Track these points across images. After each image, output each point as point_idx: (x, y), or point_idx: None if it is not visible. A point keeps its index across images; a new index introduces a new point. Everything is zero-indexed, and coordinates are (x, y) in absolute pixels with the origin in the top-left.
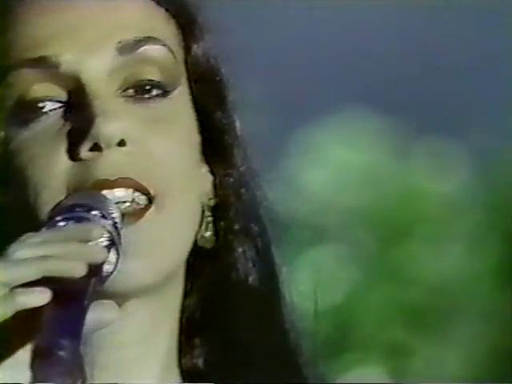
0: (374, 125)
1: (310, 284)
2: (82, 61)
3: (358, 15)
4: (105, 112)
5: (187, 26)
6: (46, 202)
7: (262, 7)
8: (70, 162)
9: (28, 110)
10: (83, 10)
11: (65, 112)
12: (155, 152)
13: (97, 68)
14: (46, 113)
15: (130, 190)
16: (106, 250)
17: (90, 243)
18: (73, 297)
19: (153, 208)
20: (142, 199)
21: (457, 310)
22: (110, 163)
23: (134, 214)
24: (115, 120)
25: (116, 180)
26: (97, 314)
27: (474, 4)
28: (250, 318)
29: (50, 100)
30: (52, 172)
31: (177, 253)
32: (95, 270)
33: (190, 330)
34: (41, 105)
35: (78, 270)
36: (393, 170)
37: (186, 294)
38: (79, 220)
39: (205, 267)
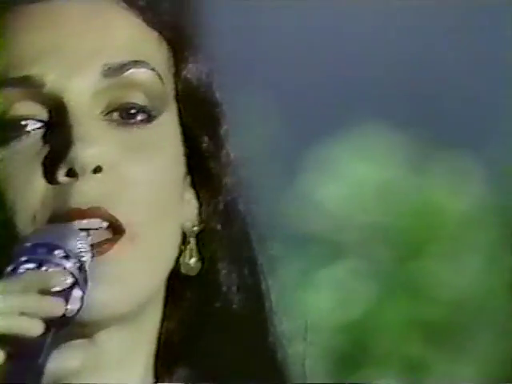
0: (391, 140)
1: (328, 300)
2: (65, 81)
3: (374, 31)
4: (83, 137)
5: (180, 50)
6: (20, 223)
7: (276, 21)
8: (47, 185)
9: (9, 129)
10: (70, 28)
11: (46, 132)
12: (131, 180)
13: (80, 90)
14: (27, 132)
15: (100, 221)
16: (63, 303)
17: (53, 288)
18: (26, 356)
19: (124, 238)
20: (111, 230)
21: (474, 325)
22: (83, 191)
23: (103, 244)
24: (93, 145)
25: (87, 209)
26: (59, 363)
27: (495, 23)
28: (233, 343)
29: (32, 119)
30: (28, 194)
31: (150, 282)
32: (54, 321)
33: (167, 354)
34: (23, 123)
35: (34, 328)
36: (410, 186)
37: (164, 317)
38: (40, 264)
39: (187, 292)
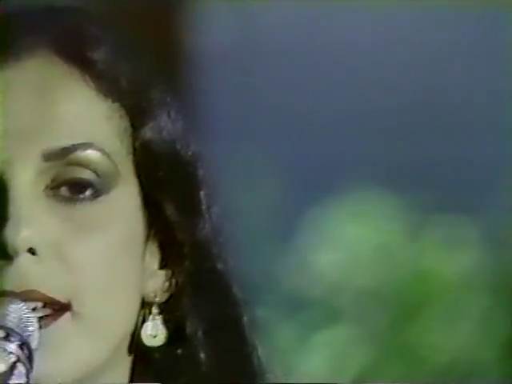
0: (387, 204)
1: (323, 364)
2: (7, 165)
3: (370, 97)
4: (19, 218)
5: (138, 115)
6: None
7: (272, 81)
8: None
9: None
10: (17, 105)
11: None
12: (72, 259)
13: (21, 173)
14: None
15: (38, 303)
16: None
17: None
18: None
19: (68, 314)
20: (50, 307)
21: None
22: (18, 273)
23: (44, 319)
24: (28, 227)
25: (22, 292)
26: None
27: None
28: None
29: None
30: None
31: (95, 355)
32: None
33: None
34: None
35: None
36: (406, 251)
37: (133, 375)
38: None
39: (155, 357)
